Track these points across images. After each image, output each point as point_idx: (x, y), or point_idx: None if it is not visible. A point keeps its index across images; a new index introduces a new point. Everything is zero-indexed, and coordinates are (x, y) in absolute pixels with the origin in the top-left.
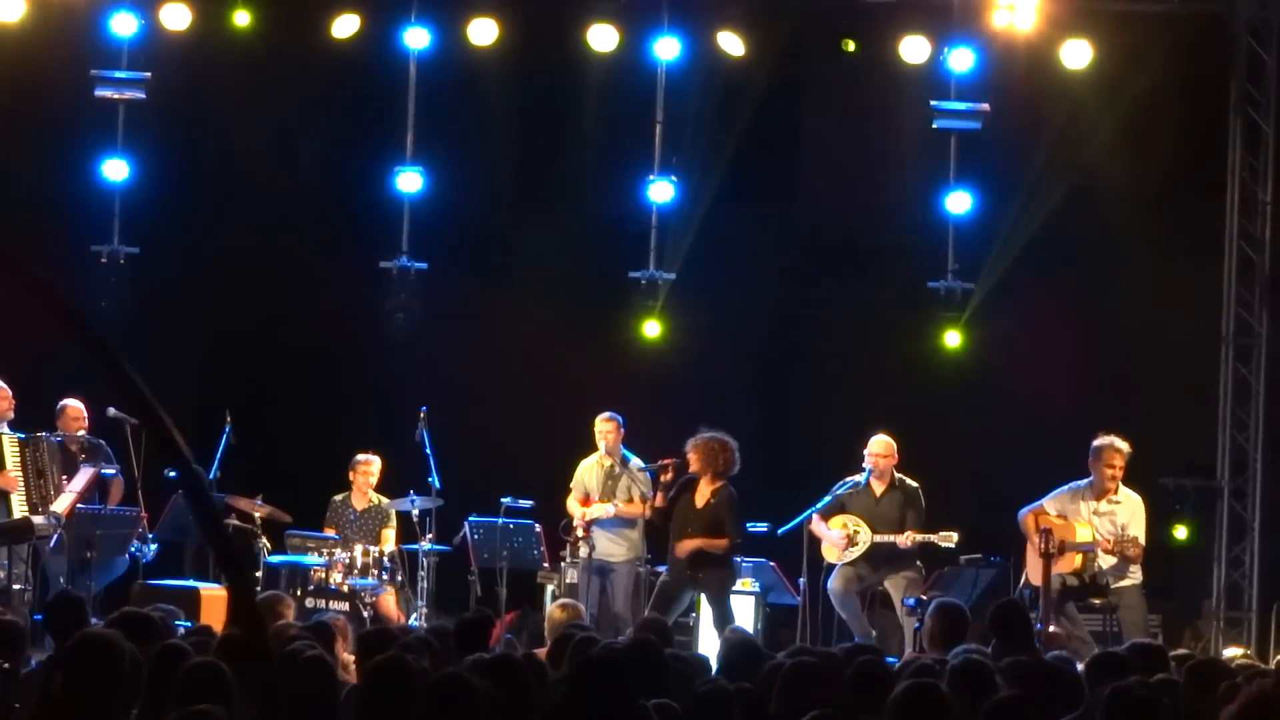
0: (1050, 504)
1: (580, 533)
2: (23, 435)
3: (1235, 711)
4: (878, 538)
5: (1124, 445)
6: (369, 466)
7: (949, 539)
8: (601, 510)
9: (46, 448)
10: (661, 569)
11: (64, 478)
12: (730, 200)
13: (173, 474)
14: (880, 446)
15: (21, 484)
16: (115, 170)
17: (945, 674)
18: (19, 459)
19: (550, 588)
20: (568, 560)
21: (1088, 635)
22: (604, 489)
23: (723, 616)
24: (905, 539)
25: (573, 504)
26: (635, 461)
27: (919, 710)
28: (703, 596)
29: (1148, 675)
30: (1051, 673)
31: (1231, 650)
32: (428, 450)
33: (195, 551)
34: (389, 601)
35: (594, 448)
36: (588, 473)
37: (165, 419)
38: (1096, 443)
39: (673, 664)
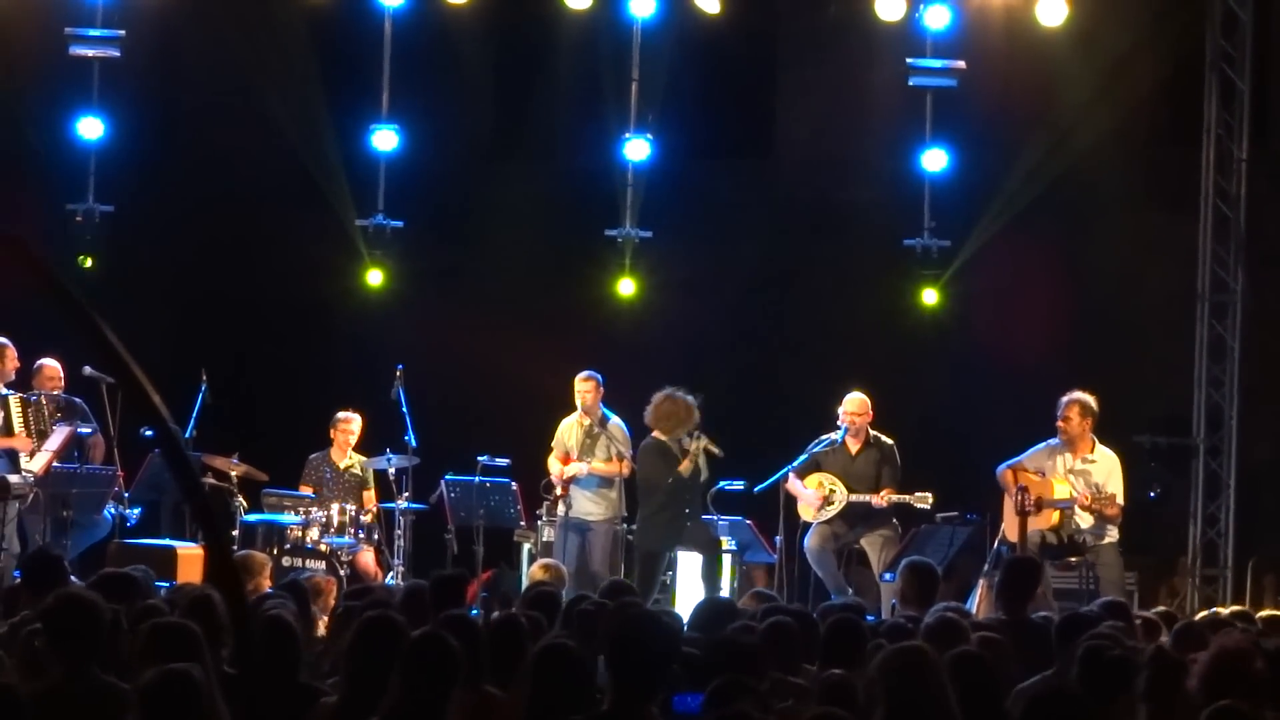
0: (1028, 461)
1: (559, 491)
2: (27, 396)
3: (1205, 668)
4: (853, 497)
5: (1083, 397)
6: (349, 424)
7: (924, 500)
8: (577, 469)
9: (46, 405)
10: None
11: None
12: (706, 157)
13: (149, 432)
14: (855, 404)
15: (25, 440)
16: (90, 129)
17: (920, 632)
18: (23, 418)
19: (527, 546)
20: (544, 519)
21: (1051, 598)
22: (583, 448)
23: (711, 572)
24: (881, 499)
25: (553, 463)
26: (615, 420)
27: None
28: (679, 555)
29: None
30: (1033, 631)
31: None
32: (404, 408)
33: (172, 511)
34: (368, 559)
35: (572, 405)
36: (567, 431)
37: (140, 377)
38: (1061, 398)
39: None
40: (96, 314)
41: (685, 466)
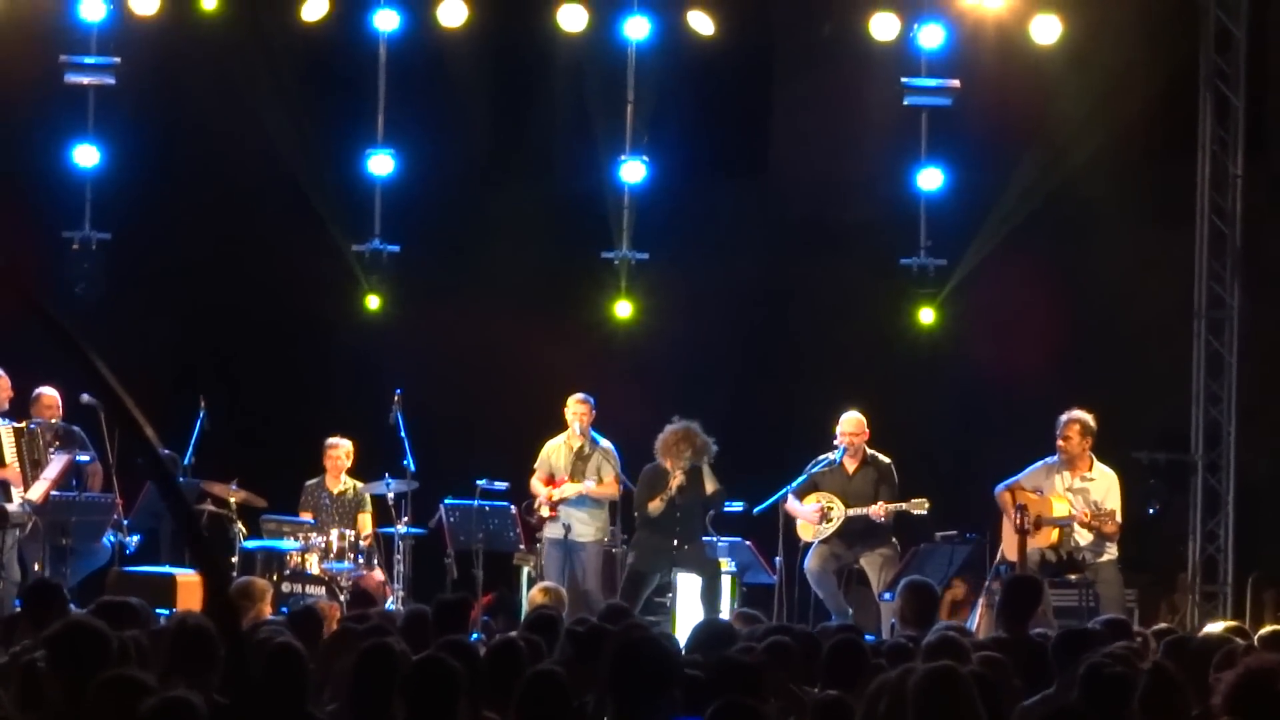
0: (1026, 480)
1: (546, 512)
2: (21, 425)
3: (1232, 687)
4: (851, 511)
5: (1083, 416)
6: (337, 450)
7: (920, 506)
8: (577, 489)
9: (42, 435)
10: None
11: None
12: (701, 179)
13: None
14: (851, 424)
15: (21, 476)
16: (86, 156)
17: (921, 651)
18: (15, 449)
19: (526, 569)
20: (540, 541)
21: (1051, 616)
22: (574, 470)
23: (711, 593)
24: (877, 509)
25: (537, 484)
26: (605, 443)
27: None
28: (677, 576)
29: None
30: (1034, 649)
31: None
32: (402, 433)
33: (171, 537)
34: (374, 577)
35: (565, 427)
36: (554, 453)
37: (130, 405)
38: (1060, 417)
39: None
40: (86, 344)
41: (655, 505)
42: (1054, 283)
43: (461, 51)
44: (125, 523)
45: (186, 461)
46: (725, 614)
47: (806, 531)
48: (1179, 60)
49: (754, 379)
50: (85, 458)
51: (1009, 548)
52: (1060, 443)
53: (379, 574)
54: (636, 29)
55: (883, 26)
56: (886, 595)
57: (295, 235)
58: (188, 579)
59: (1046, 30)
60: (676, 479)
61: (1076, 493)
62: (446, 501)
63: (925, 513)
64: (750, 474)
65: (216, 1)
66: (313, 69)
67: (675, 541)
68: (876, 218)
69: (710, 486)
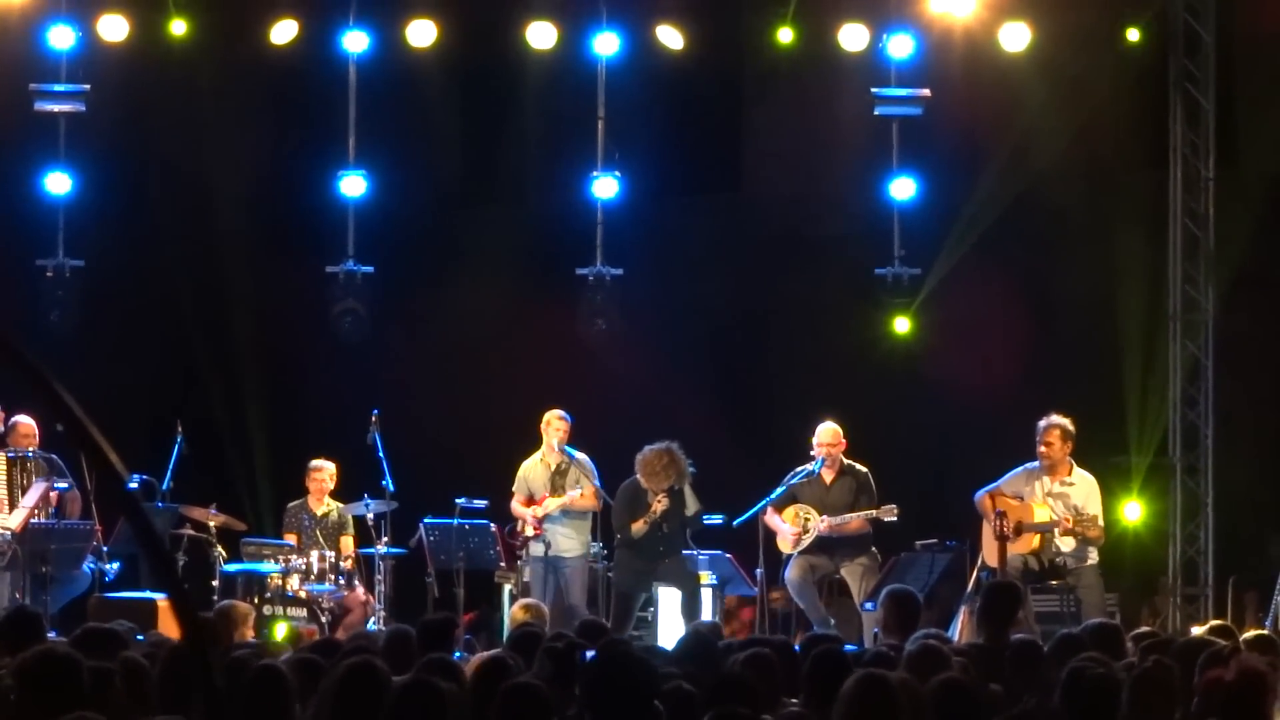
0: (1006, 486)
1: (531, 532)
2: (12, 454)
3: (1229, 688)
4: (822, 527)
5: (1063, 421)
6: (321, 473)
7: (891, 512)
8: (560, 501)
9: (35, 466)
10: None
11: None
12: (675, 193)
13: (131, 485)
14: (828, 435)
15: (7, 503)
16: (58, 183)
17: (902, 660)
18: (5, 478)
19: (508, 587)
20: (525, 559)
21: (1033, 622)
22: (553, 486)
23: (691, 607)
24: (824, 525)
25: (518, 507)
26: (579, 456)
27: (870, 702)
28: (658, 590)
29: (1106, 655)
30: (1016, 656)
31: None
32: (380, 453)
33: None
34: (357, 597)
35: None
36: (531, 473)
37: (95, 434)
38: (1039, 423)
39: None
40: (46, 370)
41: (638, 527)
42: (1028, 288)
43: (431, 71)
44: (105, 549)
45: (165, 486)
46: None
47: (785, 544)
48: (1149, 64)
49: (731, 391)
50: (63, 485)
51: (990, 554)
52: (1041, 448)
53: (360, 593)
54: (606, 45)
55: (852, 37)
56: (868, 605)
57: (268, 257)
58: (168, 603)
59: (1015, 37)
60: (661, 502)
61: (1057, 498)
62: (426, 521)
63: (896, 519)
64: (729, 486)
65: (185, 26)
66: (283, 92)
67: (661, 555)
68: (850, 228)
69: (692, 506)
